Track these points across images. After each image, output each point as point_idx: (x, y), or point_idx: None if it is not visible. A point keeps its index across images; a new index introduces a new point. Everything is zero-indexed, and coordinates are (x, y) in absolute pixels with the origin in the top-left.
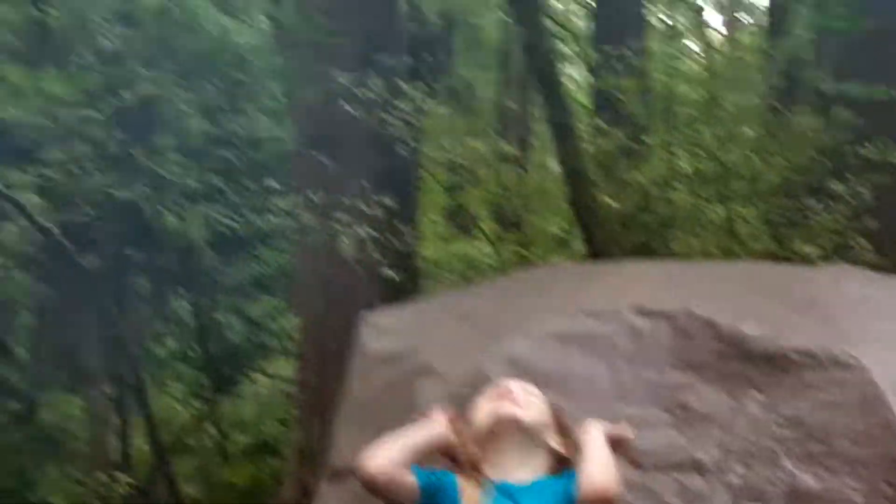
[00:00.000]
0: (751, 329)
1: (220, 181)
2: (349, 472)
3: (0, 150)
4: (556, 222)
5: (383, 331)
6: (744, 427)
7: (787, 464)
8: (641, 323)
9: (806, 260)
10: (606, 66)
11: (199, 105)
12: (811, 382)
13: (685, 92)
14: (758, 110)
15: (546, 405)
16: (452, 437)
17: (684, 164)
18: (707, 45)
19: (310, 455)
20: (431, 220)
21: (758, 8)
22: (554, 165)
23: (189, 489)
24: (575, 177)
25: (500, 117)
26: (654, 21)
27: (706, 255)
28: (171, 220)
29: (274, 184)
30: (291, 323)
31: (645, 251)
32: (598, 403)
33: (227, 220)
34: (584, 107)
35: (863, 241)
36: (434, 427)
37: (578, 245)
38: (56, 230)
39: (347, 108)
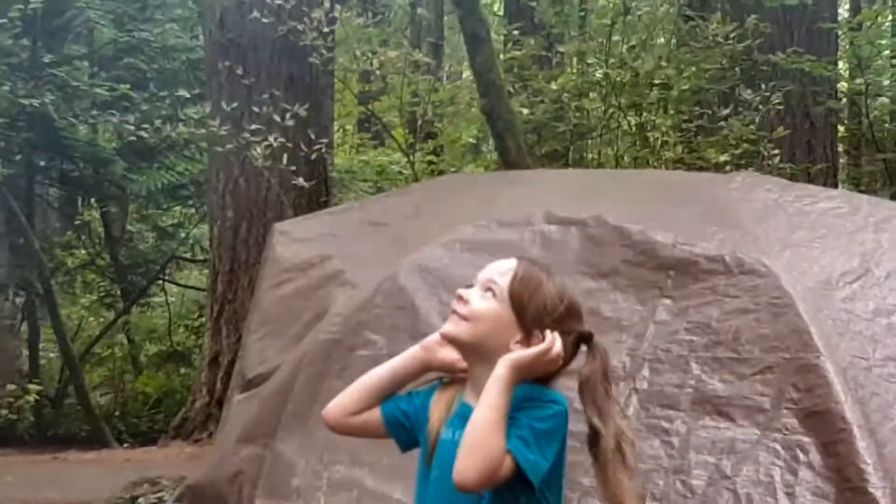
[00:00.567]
0: (661, 236)
1: (131, 90)
2: (260, 380)
3: None
4: (469, 131)
5: (294, 239)
6: (653, 333)
7: (696, 369)
8: (552, 230)
9: (717, 168)
10: None
11: (109, 13)
12: (721, 289)
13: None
14: (671, 19)
15: (505, 303)
16: (436, 358)
17: (598, 73)
18: None
19: (221, 364)
20: (344, 129)
21: None
22: (468, 74)
23: (100, 398)
24: (489, 86)
25: (413, 26)
26: None
27: (619, 163)
28: (81, 129)
29: (184, 93)
30: (202, 232)
31: (558, 160)
32: None
33: (137, 130)
34: (498, 16)
35: (773, 149)
36: (408, 354)
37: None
38: None
39: (259, 16)
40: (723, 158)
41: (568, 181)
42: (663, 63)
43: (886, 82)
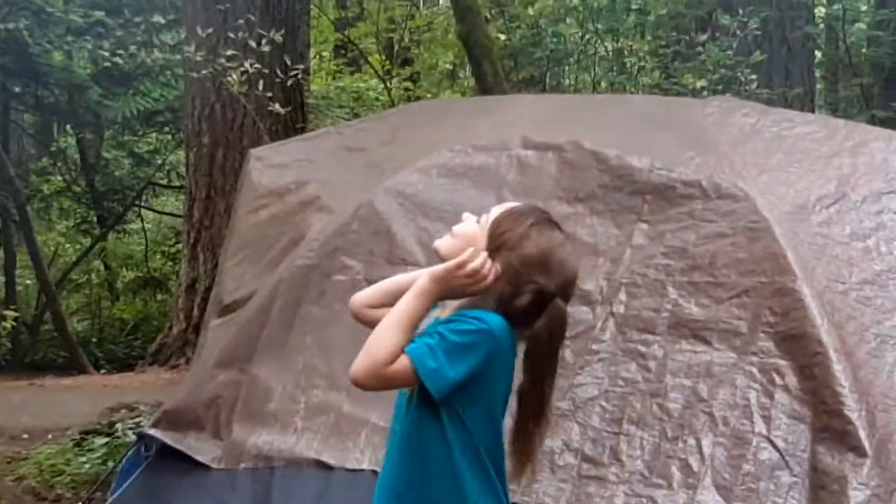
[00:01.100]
0: (638, 161)
1: (105, 16)
2: (237, 306)
3: None
4: (446, 57)
5: (271, 165)
6: (630, 258)
7: (673, 293)
8: (529, 155)
9: (694, 93)
10: None
11: None
12: (698, 213)
13: None
14: None
15: (485, 229)
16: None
17: None
18: None
19: (197, 290)
20: (320, 55)
21: None
22: (444, 0)
23: (76, 325)
24: (465, 11)
25: None
26: None
27: (596, 89)
28: (56, 55)
29: (160, 18)
30: (178, 158)
31: (535, 86)
32: None
33: (112, 56)
34: None
35: (751, 74)
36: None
37: (468, 80)
38: None
39: None
40: (700, 84)
41: (545, 107)
42: None
43: (864, 7)
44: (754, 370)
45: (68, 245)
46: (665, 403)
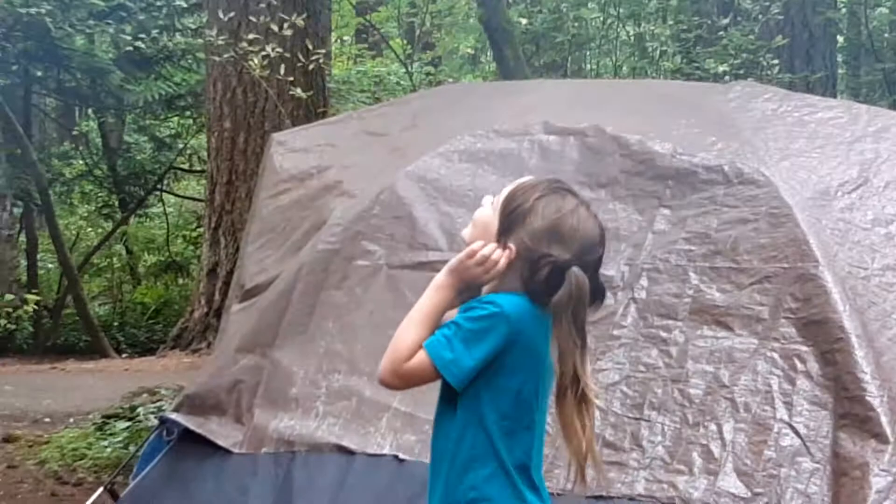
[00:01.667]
0: (660, 146)
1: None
2: (258, 290)
3: None
4: (467, 42)
5: (292, 150)
6: (652, 243)
7: (695, 279)
8: (551, 140)
9: (716, 78)
10: None
11: None
12: (719, 199)
13: None
14: None
15: (496, 211)
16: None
17: None
18: None
19: (219, 274)
20: (342, 39)
21: None
22: None
23: (98, 309)
24: None
25: None
26: None
27: (617, 73)
28: (78, 39)
29: (181, 2)
30: (200, 143)
31: (556, 70)
32: None
33: (134, 40)
34: None
35: (772, 58)
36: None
37: (489, 65)
38: None
39: None
40: (722, 68)
41: (566, 91)
42: None
43: None
44: (776, 356)
45: (90, 229)
46: (686, 389)
